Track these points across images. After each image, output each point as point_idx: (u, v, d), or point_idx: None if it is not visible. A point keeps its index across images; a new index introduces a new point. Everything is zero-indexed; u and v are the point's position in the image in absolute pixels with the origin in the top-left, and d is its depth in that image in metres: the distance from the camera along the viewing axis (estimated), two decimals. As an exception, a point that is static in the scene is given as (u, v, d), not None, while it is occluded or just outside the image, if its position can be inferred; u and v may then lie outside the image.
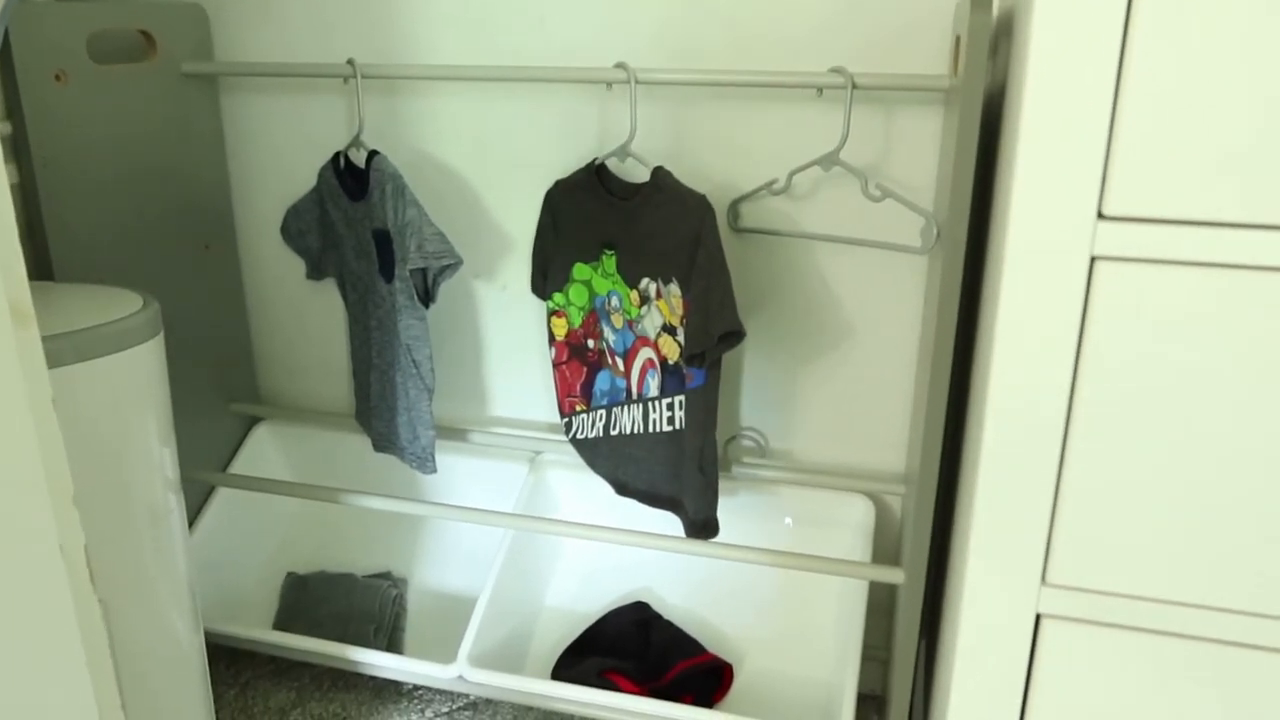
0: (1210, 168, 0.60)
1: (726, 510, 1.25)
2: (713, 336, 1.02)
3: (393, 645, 1.30)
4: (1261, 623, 0.69)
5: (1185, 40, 0.58)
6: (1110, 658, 0.73)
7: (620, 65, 1.06)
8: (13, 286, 0.52)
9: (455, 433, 1.37)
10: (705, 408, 1.07)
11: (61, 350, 0.82)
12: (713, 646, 1.24)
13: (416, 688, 1.31)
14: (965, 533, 0.77)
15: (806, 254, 1.18)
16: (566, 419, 1.23)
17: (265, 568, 1.40)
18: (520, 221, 1.26)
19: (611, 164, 1.12)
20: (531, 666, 1.25)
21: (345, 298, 1.29)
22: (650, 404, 1.13)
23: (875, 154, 1.11)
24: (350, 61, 1.14)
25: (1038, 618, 0.74)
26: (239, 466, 1.39)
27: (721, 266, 1.02)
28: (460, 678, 1.12)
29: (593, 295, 1.15)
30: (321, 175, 1.23)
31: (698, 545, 1.11)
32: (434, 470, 1.24)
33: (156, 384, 0.92)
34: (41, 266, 1.09)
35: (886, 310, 1.18)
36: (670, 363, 1.10)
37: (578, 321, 1.18)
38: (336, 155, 1.21)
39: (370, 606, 1.32)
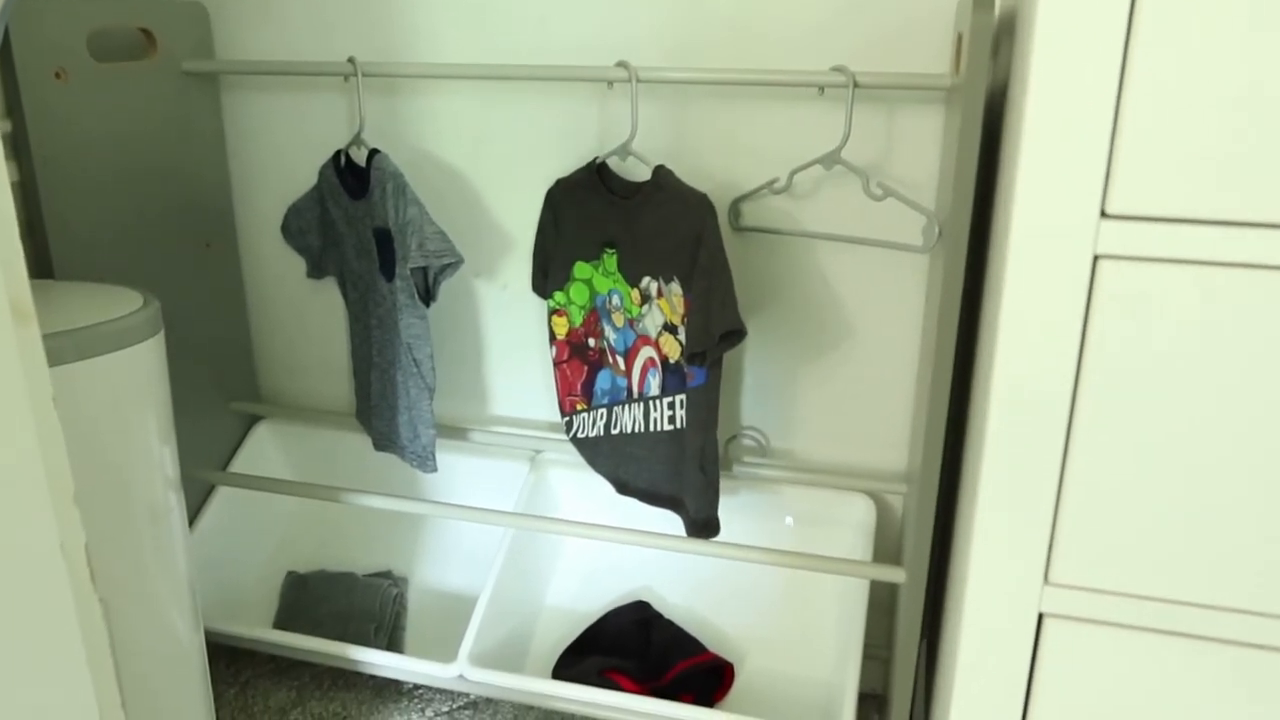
0: (1213, 166, 0.60)
1: (727, 509, 1.24)
2: (714, 335, 1.02)
3: (393, 644, 1.30)
4: (1267, 622, 0.69)
5: (1188, 39, 0.58)
6: (1113, 657, 0.73)
7: (621, 64, 1.06)
8: (13, 284, 0.52)
9: (456, 431, 1.37)
10: (706, 407, 1.07)
11: (62, 348, 0.82)
12: (713, 646, 1.24)
13: (417, 687, 1.31)
14: (967, 532, 0.77)
15: (808, 253, 1.18)
16: (567, 418, 1.23)
17: (265, 567, 1.40)
18: (521, 220, 1.26)
19: (613, 163, 1.12)
20: (532, 666, 1.25)
21: (346, 296, 1.29)
22: (651, 403, 1.13)
23: (877, 153, 1.11)
24: (351, 60, 1.14)
25: (1040, 617, 0.73)
26: (239, 465, 1.39)
27: (723, 265, 1.02)
28: (461, 677, 1.12)
29: (594, 294, 1.15)
30: (322, 174, 1.23)
31: (698, 544, 1.11)
32: (434, 469, 1.24)
33: (157, 382, 0.92)
34: (42, 264, 1.09)
35: (888, 309, 1.18)
36: (671, 362, 1.10)
37: (579, 320, 1.18)
38: (337, 154, 1.21)
39: (370, 605, 1.31)
